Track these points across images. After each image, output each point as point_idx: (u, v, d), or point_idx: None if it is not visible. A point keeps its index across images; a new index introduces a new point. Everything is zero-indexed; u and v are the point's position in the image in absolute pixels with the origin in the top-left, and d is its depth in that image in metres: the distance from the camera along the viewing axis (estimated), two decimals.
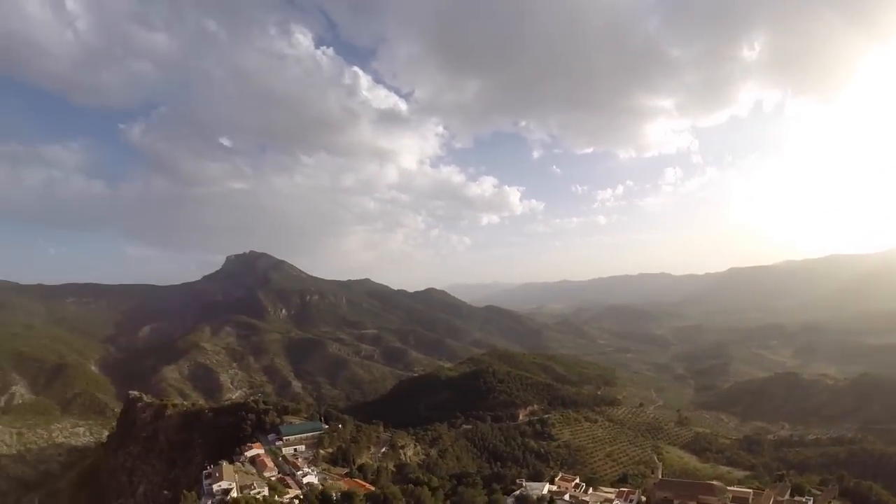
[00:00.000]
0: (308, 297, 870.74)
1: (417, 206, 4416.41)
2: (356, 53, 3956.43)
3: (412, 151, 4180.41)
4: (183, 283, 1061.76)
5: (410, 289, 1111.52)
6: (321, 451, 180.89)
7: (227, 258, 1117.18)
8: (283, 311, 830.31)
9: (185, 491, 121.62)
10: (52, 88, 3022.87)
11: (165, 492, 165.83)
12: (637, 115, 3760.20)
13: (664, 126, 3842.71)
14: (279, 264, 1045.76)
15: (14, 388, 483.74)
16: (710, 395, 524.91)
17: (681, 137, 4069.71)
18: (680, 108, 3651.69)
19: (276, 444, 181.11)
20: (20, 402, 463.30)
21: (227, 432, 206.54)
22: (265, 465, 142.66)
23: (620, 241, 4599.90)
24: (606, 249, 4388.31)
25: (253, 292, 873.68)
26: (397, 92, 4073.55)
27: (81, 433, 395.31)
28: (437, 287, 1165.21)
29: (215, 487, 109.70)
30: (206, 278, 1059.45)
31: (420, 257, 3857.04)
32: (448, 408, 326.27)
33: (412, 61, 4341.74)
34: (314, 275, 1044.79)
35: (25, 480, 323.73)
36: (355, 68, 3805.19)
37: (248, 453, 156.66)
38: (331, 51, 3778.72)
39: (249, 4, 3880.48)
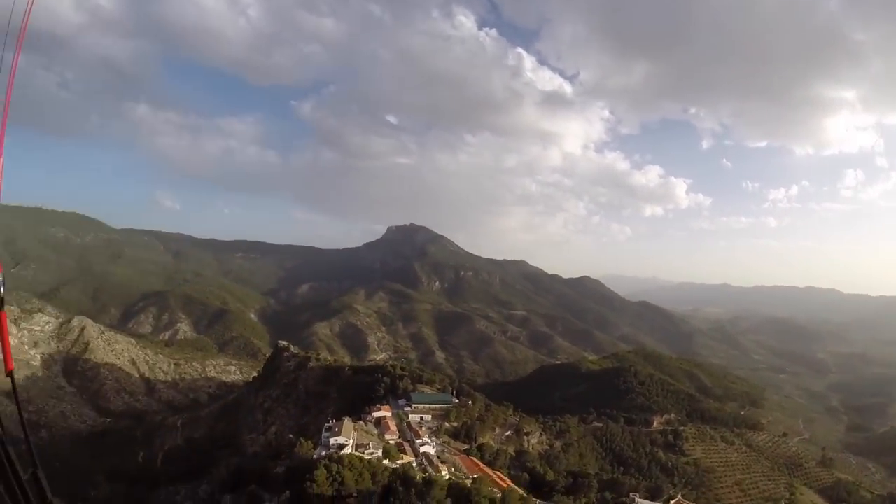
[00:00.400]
0: (462, 273, 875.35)
1: (580, 191, 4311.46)
2: (519, 34, 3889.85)
3: (576, 135, 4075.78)
4: (345, 249, 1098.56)
5: (565, 275, 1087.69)
6: (446, 424, 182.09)
7: (389, 228, 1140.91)
8: (437, 283, 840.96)
9: (302, 438, 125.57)
10: (229, 69, 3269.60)
11: (291, 435, 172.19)
12: (816, 107, 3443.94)
13: (846, 121, 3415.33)
14: (437, 238, 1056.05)
15: (179, 325, 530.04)
16: (861, 438, 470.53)
17: (864, 135, 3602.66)
18: (864, 102, 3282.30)
19: (405, 409, 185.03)
20: (182, 337, 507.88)
21: (361, 391, 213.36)
22: (388, 428, 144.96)
23: (790, 247, 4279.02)
24: (774, 255, 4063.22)
25: (409, 263, 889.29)
26: (562, 74, 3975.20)
27: (232, 371, 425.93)
28: (592, 276, 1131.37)
29: (332, 441, 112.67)
30: (367, 246, 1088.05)
31: (578, 243, 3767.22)
32: (583, 401, 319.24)
33: (577, 42, 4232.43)
34: (471, 251, 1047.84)
35: (175, 404, 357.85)
36: (519, 49, 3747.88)
37: (375, 414, 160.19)
38: (494, 32, 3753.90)
39: None
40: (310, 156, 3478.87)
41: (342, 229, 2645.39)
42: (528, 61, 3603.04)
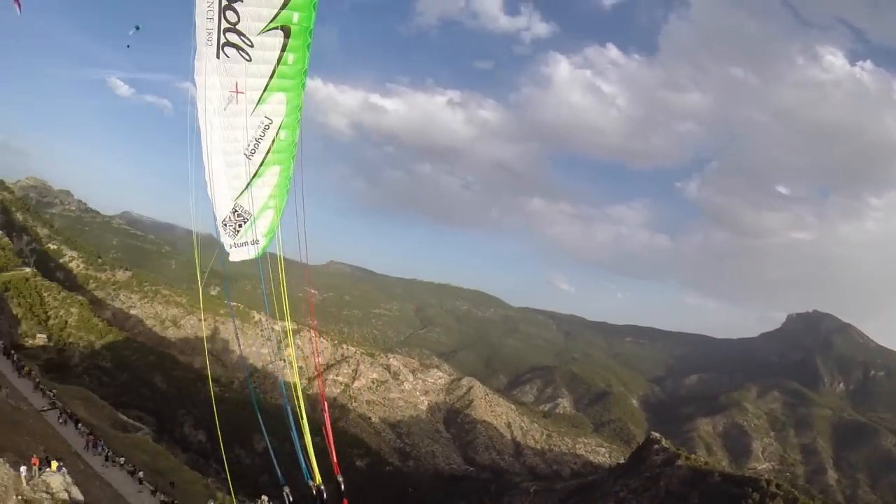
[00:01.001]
0: (872, 372, 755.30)
1: None
2: None
3: None
4: (738, 339, 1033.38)
5: None
6: None
7: (788, 316, 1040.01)
8: (841, 384, 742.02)
9: None
10: (609, 158, 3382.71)
11: None
12: None
13: None
14: (844, 328, 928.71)
15: (560, 400, 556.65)
16: None
17: None
18: None
19: None
20: (561, 412, 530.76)
21: (724, 502, 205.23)
22: None
23: None
24: None
25: (811, 357, 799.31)
26: None
27: (601, 453, 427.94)
28: None
29: None
30: (764, 336, 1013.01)
31: None
32: None
33: None
34: (884, 344, 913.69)
35: (536, 471, 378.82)
36: None
37: None
38: (868, 63, 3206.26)
39: (765, 41, 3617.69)
40: (699, 237, 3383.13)
41: (737, 316, 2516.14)
42: None
